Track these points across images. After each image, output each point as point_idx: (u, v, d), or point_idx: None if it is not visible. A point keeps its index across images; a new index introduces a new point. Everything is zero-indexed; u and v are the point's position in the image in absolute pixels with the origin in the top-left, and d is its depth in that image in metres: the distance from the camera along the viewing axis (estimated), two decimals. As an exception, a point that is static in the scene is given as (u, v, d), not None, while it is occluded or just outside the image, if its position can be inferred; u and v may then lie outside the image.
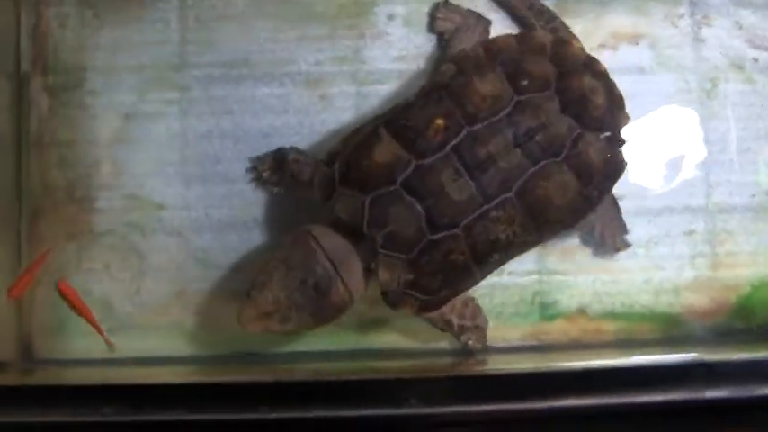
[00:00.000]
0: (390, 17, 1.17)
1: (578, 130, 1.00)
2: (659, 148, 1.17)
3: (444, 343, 1.12)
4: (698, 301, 1.15)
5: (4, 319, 1.11)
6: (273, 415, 0.73)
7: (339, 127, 1.15)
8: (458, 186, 0.96)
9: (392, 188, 0.96)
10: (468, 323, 1.06)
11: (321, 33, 1.16)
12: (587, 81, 1.02)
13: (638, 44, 1.18)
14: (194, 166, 1.14)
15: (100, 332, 1.10)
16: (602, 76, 1.05)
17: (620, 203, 1.14)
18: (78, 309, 1.11)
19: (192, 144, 1.14)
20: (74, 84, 1.15)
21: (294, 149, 1.10)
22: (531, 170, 0.98)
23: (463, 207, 0.96)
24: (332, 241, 0.97)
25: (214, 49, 1.16)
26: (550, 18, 1.13)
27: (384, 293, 0.99)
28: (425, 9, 1.17)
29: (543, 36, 1.07)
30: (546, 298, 1.14)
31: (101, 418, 0.73)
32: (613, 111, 1.04)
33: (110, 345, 1.11)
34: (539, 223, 1.00)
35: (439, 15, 1.15)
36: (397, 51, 1.17)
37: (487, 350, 1.09)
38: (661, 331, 1.15)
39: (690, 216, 1.16)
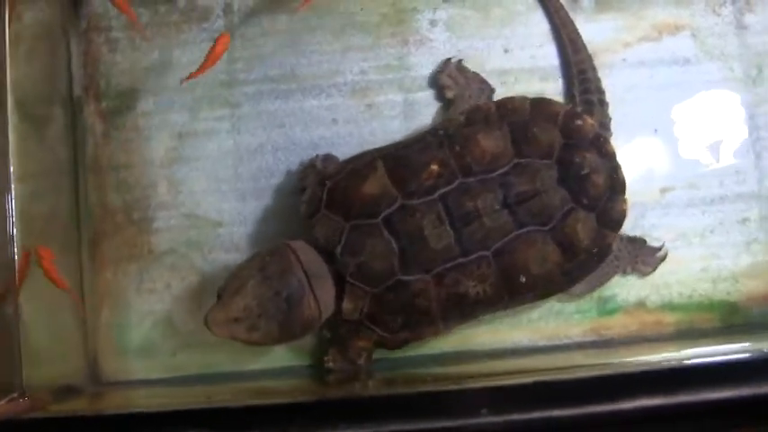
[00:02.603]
0: (432, 23, 1.18)
1: (571, 205, 1.00)
2: (708, 138, 1.17)
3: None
4: (756, 287, 1.15)
5: (72, 342, 1.13)
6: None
7: (388, 135, 1.15)
8: (437, 233, 0.96)
9: (373, 221, 0.97)
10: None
11: (365, 43, 1.18)
12: (591, 158, 1.02)
13: (680, 35, 1.18)
14: (249, 182, 1.16)
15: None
16: (608, 156, 1.04)
17: (673, 194, 1.16)
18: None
19: (246, 159, 1.16)
20: (126, 107, 1.17)
21: (321, 156, 1.10)
22: (515, 233, 0.98)
23: (438, 255, 0.96)
24: (310, 257, 0.97)
25: (262, 65, 1.17)
26: (593, 90, 1.12)
27: (342, 322, 0.99)
28: (467, 13, 1.18)
29: (557, 105, 1.07)
30: (604, 292, 1.14)
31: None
32: (611, 193, 1.03)
33: None
34: (510, 287, 0.99)
35: (446, 71, 1.14)
36: (441, 56, 1.17)
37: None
38: (720, 320, 1.15)
39: (743, 204, 1.16)
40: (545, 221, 0.99)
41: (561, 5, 1.16)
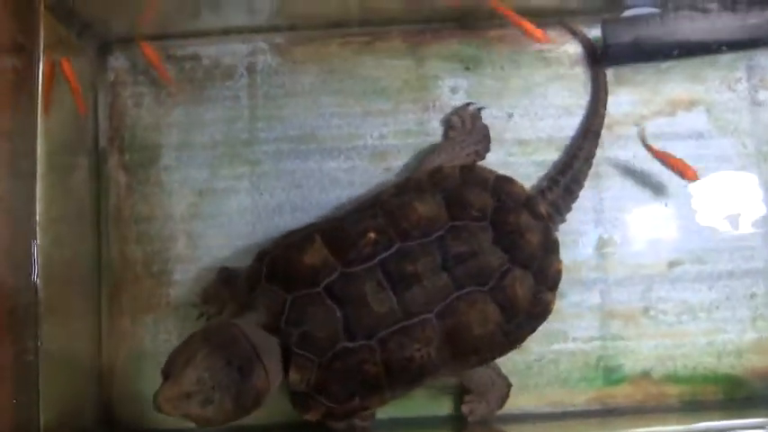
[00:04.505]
0: (453, 90, 1.20)
1: (508, 265, 1.01)
2: (718, 213, 1.19)
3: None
4: (761, 362, 1.17)
5: (87, 388, 1.16)
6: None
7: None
8: (379, 298, 0.96)
9: (315, 290, 0.97)
10: None
11: (386, 108, 1.20)
12: (524, 218, 1.03)
13: (695, 110, 1.20)
14: (266, 240, 1.17)
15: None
16: (540, 217, 1.06)
17: (681, 268, 1.18)
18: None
19: (264, 218, 1.18)
20: (150, 161, 1.20)
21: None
22: (455, 294, 0.98)
23: (381, 319, 0.96)
24: (254, 330, 0.96)
25: (283, 125, 1.20)
26: (568, 175, 1.14)
27: (292, 394, 0.99)
28: (487, 82, 1.20)
29: (486, 171, 1.09)
30: (610, 362, 1.16)
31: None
32: (546, 252, 1.05)
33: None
34: (454, 349, 0.99)
35: (460, 111, 1.18)
36: (460, 123, 1.19)
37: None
38: (724, 393, 1.17)
39: (750, 279, 1.18)
40: (484, 282, 1.00)
41: (606, 94, 1.18)
